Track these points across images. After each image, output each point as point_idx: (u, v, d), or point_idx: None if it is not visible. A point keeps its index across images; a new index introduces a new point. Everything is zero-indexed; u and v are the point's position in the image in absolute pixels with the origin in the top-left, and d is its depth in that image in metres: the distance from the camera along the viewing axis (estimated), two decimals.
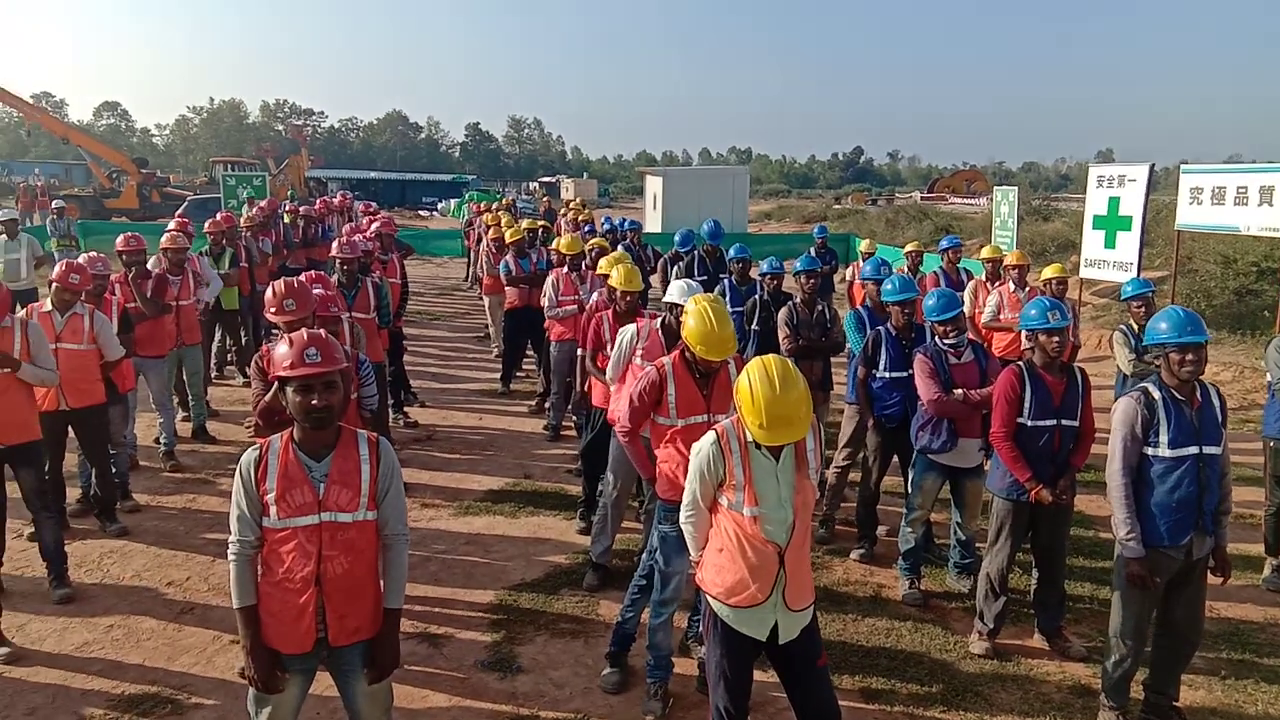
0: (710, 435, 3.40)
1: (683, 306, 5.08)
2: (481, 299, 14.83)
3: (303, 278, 5.41)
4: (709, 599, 3.48)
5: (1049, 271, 8.38)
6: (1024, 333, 4.95)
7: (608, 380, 5.67)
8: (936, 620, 5.40)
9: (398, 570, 3.21)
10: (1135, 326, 6.88)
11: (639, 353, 5.33)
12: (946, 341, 5.49)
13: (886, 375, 5.95)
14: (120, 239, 7.57)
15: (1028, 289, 8.31)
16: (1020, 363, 4.90)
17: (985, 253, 9.25)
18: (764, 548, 3.32)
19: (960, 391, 5.31)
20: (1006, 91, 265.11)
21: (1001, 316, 8.19)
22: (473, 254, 18.11)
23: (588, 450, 6.57)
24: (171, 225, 8.80)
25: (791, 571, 3.34)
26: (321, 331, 3.21)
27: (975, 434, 5.44)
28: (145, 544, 6.18)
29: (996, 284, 8.65)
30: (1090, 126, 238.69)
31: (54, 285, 5.94)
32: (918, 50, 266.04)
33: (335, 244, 7.91)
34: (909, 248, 10.53)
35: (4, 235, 11.41)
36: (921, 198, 53.03)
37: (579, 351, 7.01)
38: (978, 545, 5.83)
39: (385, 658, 3.17)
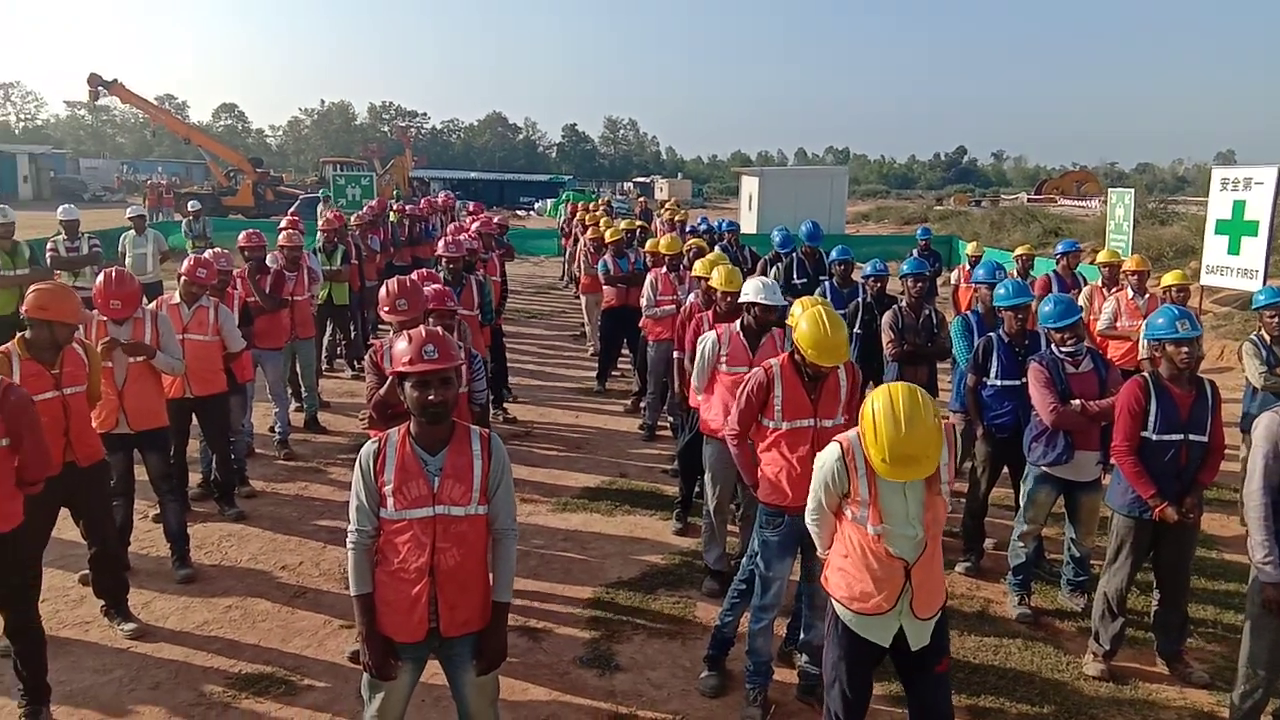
0: (835, 449, 3.34)
1: (759, 305, 5.03)
2: (578, 298, 15.01)
3: (414, 276, 5.54)
4: (832, 601, 3.44)
5: (1170, 278, 8.00)
6: (1149, 342, 4.73)
7: (693, 390, 5.64)
8: (1048, 639, 5.20)
9: (506, 565, 3.26)
10: (1267, 337, 6.50)
11: (723, 359, 5.29)
12: (1064, 349, 5.27)
13: (998, 383, 5.75)
14: (242, 235, 7.93)
15: (1147, 296, 7.95)
16: (1146, 374, 4.68)
17: (1102, 257, 8.88)
18: (889, 561, 3.26)
19: (1078, 402, 5.09)
20: (1119, 88, 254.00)
21: (1118, 324, 7.86)
22: (569, 253, 18.34)
23: (685, 451, 6.56)
24: (284, 223, 9.14)
25: (919, 583, 3.28)
26: (439, 329, 3.28)
27: (1093, 446, 5.22)
28: (261, 529, 6.44)
29: (1114, 290, 8.29)
30: (1209, 126, 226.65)
31: (182, 279, 6.25)
32: (1024, 46, 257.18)
33: (441, 243, 8.09)
34: (1019, 251, 10.19)
35: (133, 231, 12.06)
36: (1029, 199, 51.30)
37: (675, 352, 7.02)
38: (1092, 563, 5.61)
39: (493, 650, 3.22)
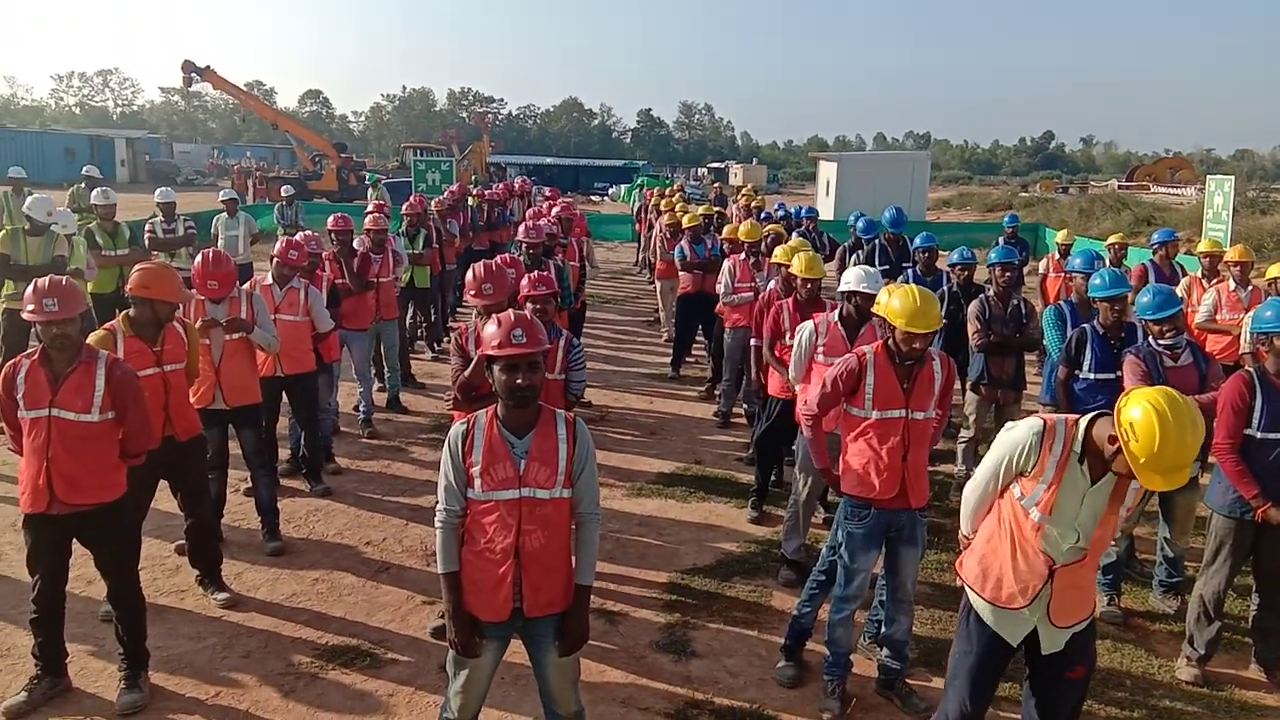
0: (1036, 423, 3.16)
1: (860, 293, 4.96)
2: (652, 284, 15.01)
3: (498, 260, 5.60)
4: (967, 589, 3.36)
5: (1275, 270, 7.61)
6: (1254, 336, 4.52)
7: (791, 380, 5.58)
8: (1138, 641, 5.04)
9: (589, 548, 3.28)
10: None
11: (820, 349, 5.22)
12: (1162, 342, 5.06)
13: (1091, 376, 5.55)
14: (331, 219, 8.13)
15: (1250, 288, 7.58)
16: (1250, 369, 4.47)
17: (1203, 247, 8.51)
18: (1036, 556, 3.15)
19: None
20: (1216, 71, 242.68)
21: (1218, 317, 7.52)
22: (644, 239, 18.33)
23: (763, 439, 6.52)
24: (371, 206, 9.33)
25: (1060, 589, 3.14)
26: (527, 313, 3.31)
27: None
28: (346, 505, 6.62)
29: (1214, 281, 7.94)
30: None
31: (274, 261, 6.44)
32: (1114, 26, 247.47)
33: (521, 228, 8.15)
34: (1112, 239, 9.83)
35: (225, 213, 12.47)
36: (1120, 186, 49.42)
37: (753, 339, 6.97)
38: (1186, 564, 5.41)
39: (576, 632, 3.25)
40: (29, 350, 4.12)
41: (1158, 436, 2.76)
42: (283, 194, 15.58)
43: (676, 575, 5.66)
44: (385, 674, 4.52)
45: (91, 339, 4.43)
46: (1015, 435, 3.19)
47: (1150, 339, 5.13)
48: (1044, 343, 6.58)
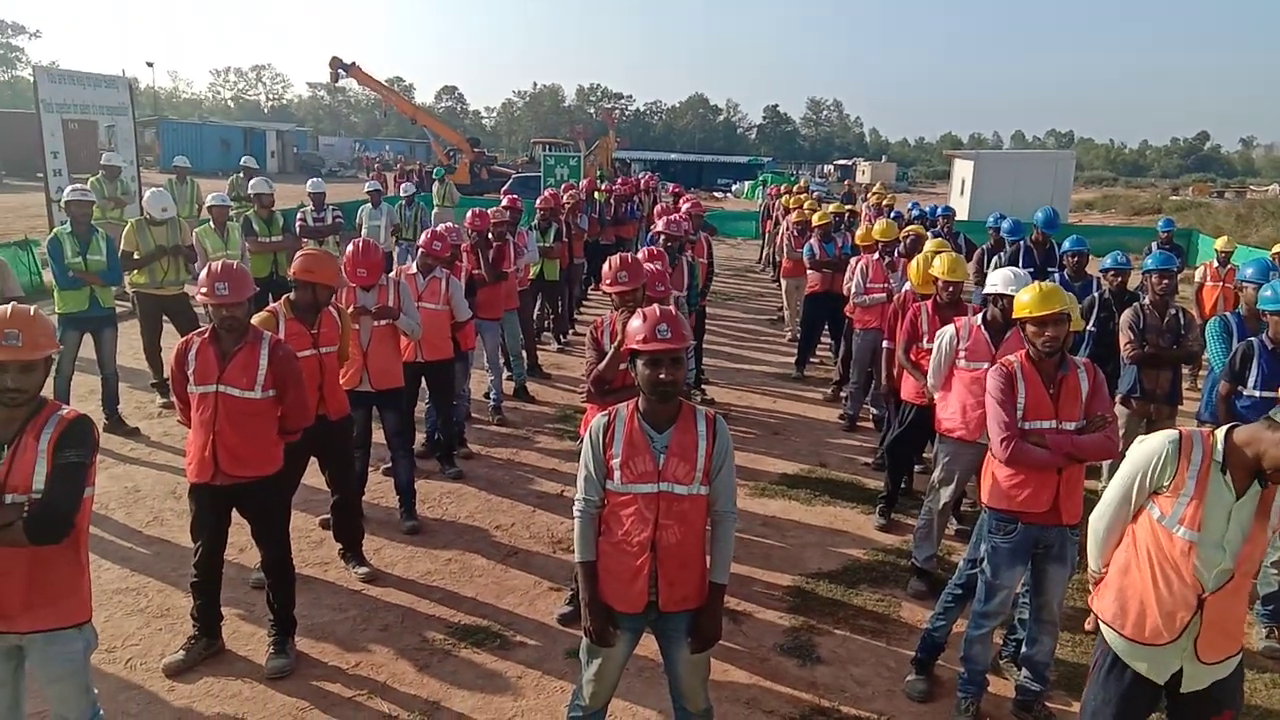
0: (1171, 434, 2.95)
1: (1007, 296, 4.75)
2: (776, 281, 14.84)
3: (644, 253, 5.64)
4: (1103, 628, 3.13)
5: None
6: None
7: (930, 386, 5.41)
8: None
9: (724, 546, 3.26)
10: None
11: (962, 354, 5.05)
12: None
13: (1256, 394, 5.18)
14: (469, 214, 8.36)
15: None
16: None
17: None
18: (1184, 582, 2.90)
19: None
20: None
21: None
22: (768, 236, 18.14)
23: (894, 445, 6.36)
24: (505, 201, 9.54)
25: (1211, 620, 2.90)
26: (672, 308, 3.32)
27: None
28: (477, 489, 6.81)
29: None
30: None
31: (419, 251, 6.68)
32: (1274, 21, 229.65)
33: (661, 220, 8.18)
34: (1278, 248, 9.13)
35: (369, 204, 13.01)
36: None
37: (885, 342, 6.80)
38: None
39: (709, 629, 3.24)
40: (200, 329, 4.40)
41: None
42: (403, 193, 14.15)
43: (800, 579, 5.58)
44: (514, 656, 4.63)
45: (255, 320, 4.70)
46: (1148, 447, 2.96)
47: None
48: (1204, 356, 6.17)
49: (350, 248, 5.77)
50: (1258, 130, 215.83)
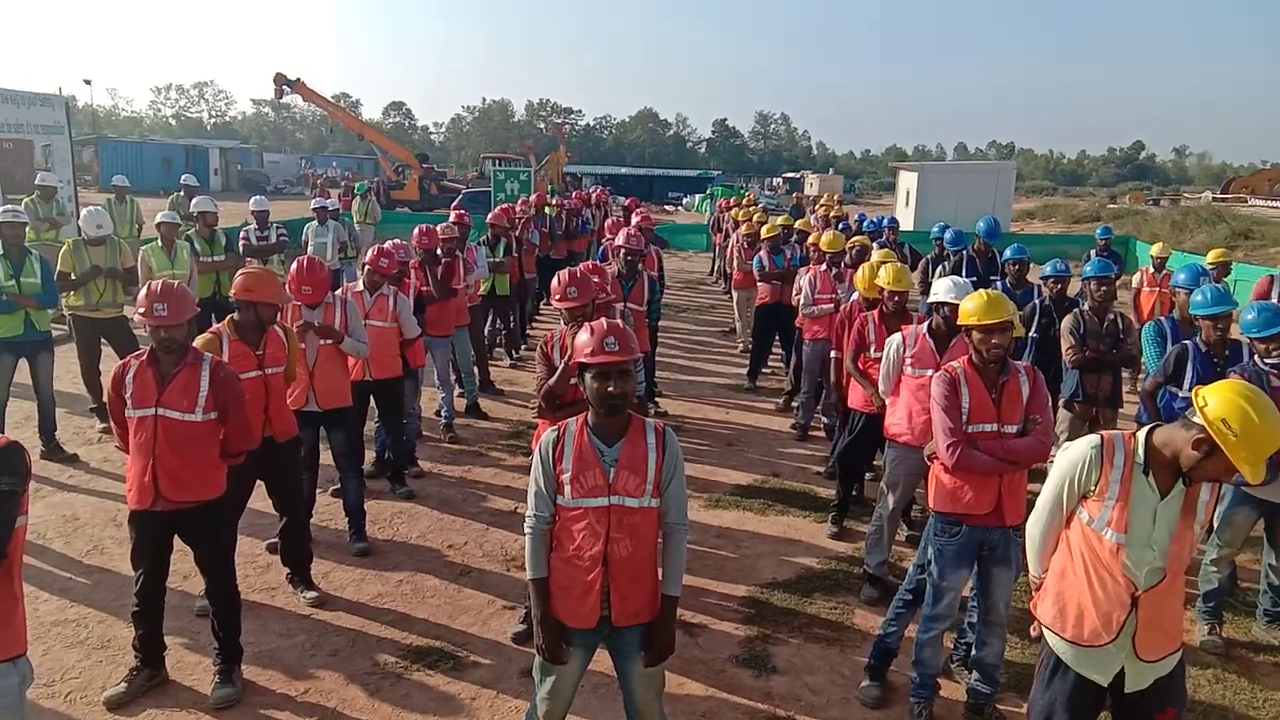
0: (1093, 439, 3.03)
1: (950, 305, 4.85)
2: (727, 294, 14.94)
3: (585, 266, 5.65)
4: (1045, 633, 3.19)
5: None
6: None
7: (879, 394, 5.49)
8: (1241, 672, 4.80)
9: (676, 558, 3.26)
10: None
11: (908, 362, 5.13)
12: (1269, 361, 4.85)
13: (1191, 396, 5.33)
14: (416, 232, 8.27)
15: None
16: None
17: None
18: (1116, 582, 2.97)
19: None
20: None
21: None
22: (719, 249, 18.27)
23: (844, 453, 6.42)
24: (452, 216, 9.48)
25: (1146, 619, 2.97)
26: (620, 322, 3.32)
27: None
28: (429, 508, 6.72)
29: None
30: None
31: (365, 268, 6.60)
32: (1208, 33, 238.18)
33: (621, 234, 8.18)
34: (1213, 255, 9.43)
35: (315, 221, 12.83)
36: (1214, 198, 47.51)
37: (833, 352, 6.87)
38: None
39: (662, 642, 3.23)
40: (138, 351, 4.29)
41: (1256, 421, 2.67)
42: (330, 209, 13.17)
43: (755, 589, 5.60)
44: (468, 676, 4.57)
45: (198, 341, 4.60)
46: (1073, 453, 3.05)
47: (1256, 357, 4.92)
48: (1142, 359, 6.35)
49: (294, 265, 5.68)
50: (1190, 139, 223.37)
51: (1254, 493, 4.86)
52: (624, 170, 70.05)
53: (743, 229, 12.37)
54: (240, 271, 4.99)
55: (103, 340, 8.27)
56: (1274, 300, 8.01)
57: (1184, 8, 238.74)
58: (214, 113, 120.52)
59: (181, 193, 13.78)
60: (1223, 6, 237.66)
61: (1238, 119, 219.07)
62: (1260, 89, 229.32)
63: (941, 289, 4.95)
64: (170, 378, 4.12)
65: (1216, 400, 2.75)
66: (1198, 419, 2.77)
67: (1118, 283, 9.69)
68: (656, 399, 9.60)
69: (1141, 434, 2.98)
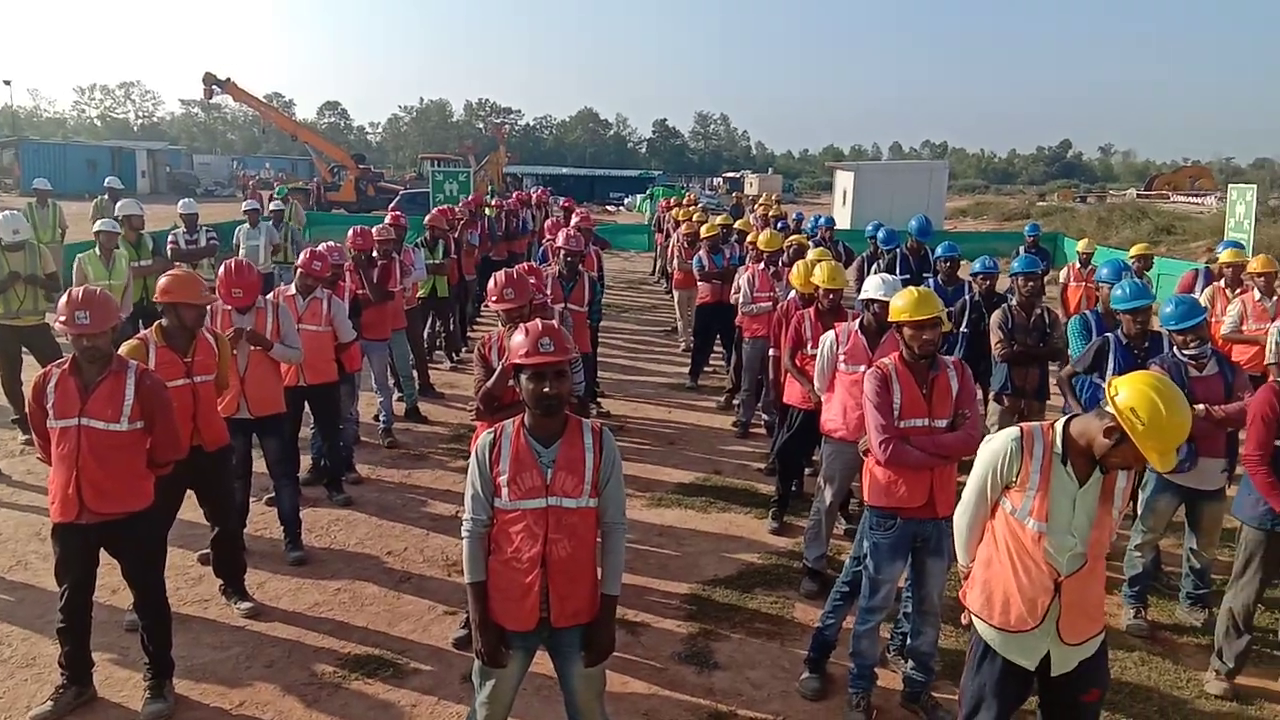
0: (1012, 431, 3.13)
1: (880, 301, 4.94)
2: (669, 293, 15.01)
3: (521, 268, 5.63)
4: (975, 620, 3.28)
5: None
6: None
7: (815, 390, 5.58)
8: (1166, 654, 4.98)
9: (615, 558, 3.27)
10: None
11: (842, 358, 5.22)
12: (1186, 352, 5.03)
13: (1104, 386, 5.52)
14: (351, 233, 8.15)
15: (1275, 298, 7.52)
16: (1279, 379, 4.42)
17: (1226, 256, 8.43)
18: (1039, 569, 3.07)
19: (1202, 407, 4.84)
20: (1235, 81, 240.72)
21: (1244, 327, 7.45)
22: (661, 248, 18.35)
23: (784, 449, 6.50)
24: (388, 218, 9.37)
25: (1068, 604, 3.07)
26: (555, 323, 3.32)
27: (1218, 453, 4.99)
28: (367, 514, 6.63)
29: (1238, 292, 7.88)
30: None
31: (298, 271, 6.48)
32: (1132, 36, 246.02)
33: (561, 235, 8.16)
34: (1135, 250, 9.76)
35: (246, 224, 12.56)
36: (1139, 195, 49.12)
37: (771, 350, 6.95)
38: (1214, 576, 5.35)
39: (602, 643, 3.24)
40: (60, 360, 4.16)
41: (1163, 412, 2.77)
42: (272, 210, 13.32)
43: (698, 586, 5.64)
44: (408, 684, 4.52)
45: (123, 349, 4.48)
46: (995, 446, 3.16)
47: (1175, 349, 5.10)
48: (1069, 352, 6.54)
49: (223, 269, 5.56)
50: (1115, 138, 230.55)
51: (1175, 480, 5.05)
52: (565, 170, 69.84)
53: (683, 229, 12.45)
54: (161, 275, 4.86)
55: (24, 349, 7.99)
56: (1197, 294, 8.35)
57: (1106, 10, 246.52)
58: (141, 113, 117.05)
59: (105, 196, 13.35)
60: (1143, 9, 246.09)
61: (1160, 118, 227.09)
62: (1181, 89, 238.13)
63: (872, 286, 5.04)
64: (94, 387, 4.01)
65: (1127, 391, 2.85)
66: (1110, 409, 2.87)
67: (1045, 278, 10.01)
68: (599, 400, 9.60)
69: (1059, 425, 3.08)
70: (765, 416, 8.68)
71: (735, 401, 9.36)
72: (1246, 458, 4.41)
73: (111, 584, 4.86)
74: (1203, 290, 8.54)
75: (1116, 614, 5.32)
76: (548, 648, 3.30)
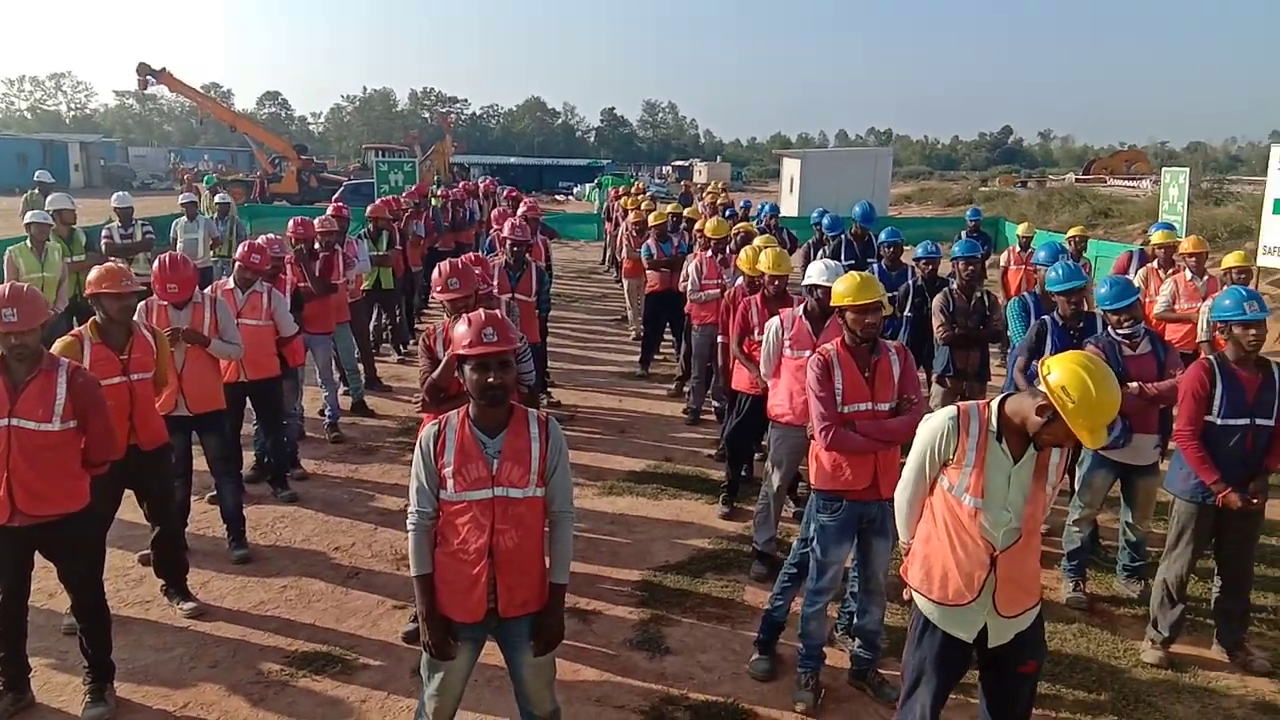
0: (949, 410, 3.20)
1: (823, 287, 4.99)
2: (619, 282, 15.00)
3: (466, 258, 5.58)
4: (915, 595, 3.36)
5: (1230, 259, 7.79)
6: (1211, 324, 4.62)
7: (762, 376, 5.62)
8: (1104, 625, 5.13)
9: (563, 547, 3.27)
10: None
11: (787, 343, 5.27)
12: (1120, 332, 5.17)
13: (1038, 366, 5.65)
14: (291, 223, 8.01)
15: (1205, 278, 7.76)
16: (1210, 356, 4.57)
17: (1158, 238, 8.66)
18: (975, 543, 3.15)
19: (1135, 385, 4.99)
20: (1169, 66, 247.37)
21: (1176, 306, 7.68)
22: (610, 237, 18.32)
23: (733, 435, 6.54)
24: (330, 210, 9.22)
25: (1004, 578, 3.15)
26: (498, 312, 3.30)
27: (1151, 430, 5.14)
28: (313, 510, 6.54)
29: (1170, 272, 8.11)
30: (1263, 104, 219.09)
31: (236, 265, 6.35)
32: (1070, 24, 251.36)
33: (507, 225, 8.09)
34: (1071, 232, 9.98)
35: (185, 217, 12.26)
36: (1077, 179, 50.15)
37: (720, 336, 6.99)
38: (1149, 549, 5.51)
39: (551, 631, 3.24)
40: None
41: (1092, 390, 2.84)
42: (216, 201, 13.10)
43: (649, 572, 5.66)
44: (357, 680, 4.48)
45: (57, 346, 4.36)
46: (932, 424, 3.23)
47: (1109, 329, 5.23)
48: (1008, 334, 6.68)
49: (157, 263, 5.42)
50: (1054, 123, 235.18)
51: (1110, 456, 5.19)
52: (513, 160, 69.32)
53: (631, 217, 12.43)
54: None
55: None
56: (1131, 275, 8.58)
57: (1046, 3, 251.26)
58: (73, 105, 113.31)
59: (36, 190, 12.94)
60: (1081, 5, 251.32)
61: (1098, 103, 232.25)
62: (1118, 73, 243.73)
63: (815, 272, 5.08)
64: (23, 386, 3.89)
65: (1058, 370, 2.92)
66: (1043, 387, 2.94)
67: (986, 262, 10.20)
68: (549, 389, 9.57)
69: (994, 403, 3.15)
70: (715, 403, 8.73)
71: (685, 389, 9.40)
72: (1178, 433, 4.55)
73: (48, 587, 4.74)
74: (1137, 271, 8.76)
75: (1056, 588, 5.46)
76: (496, 638, 3.29)
